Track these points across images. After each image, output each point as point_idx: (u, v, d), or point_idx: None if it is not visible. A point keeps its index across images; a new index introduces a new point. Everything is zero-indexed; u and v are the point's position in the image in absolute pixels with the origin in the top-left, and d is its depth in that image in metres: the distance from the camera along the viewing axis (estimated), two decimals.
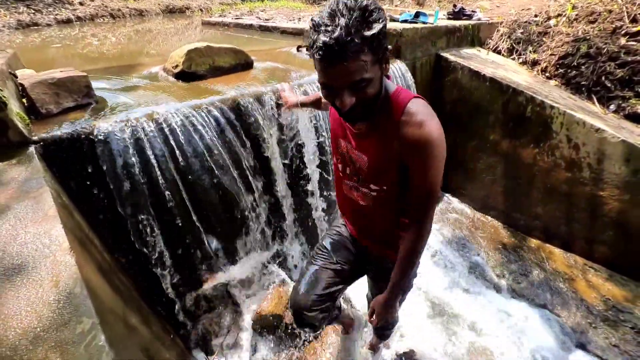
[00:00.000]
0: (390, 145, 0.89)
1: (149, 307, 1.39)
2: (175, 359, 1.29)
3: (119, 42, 4.32)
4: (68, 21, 7.71)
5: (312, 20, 0.73)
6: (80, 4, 8.65)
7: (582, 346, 2.07)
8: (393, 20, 3.16)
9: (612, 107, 2.69)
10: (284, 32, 3.76)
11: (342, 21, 0.68)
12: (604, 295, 2.34)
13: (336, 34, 0.68)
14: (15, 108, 1.17)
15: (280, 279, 1.86)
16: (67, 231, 0.88)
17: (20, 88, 1.42)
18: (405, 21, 3.00)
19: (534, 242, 2.80)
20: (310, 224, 2.18)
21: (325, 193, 2.16)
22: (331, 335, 1.73)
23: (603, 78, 2.77)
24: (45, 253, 0.82)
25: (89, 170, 1.28)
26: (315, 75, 2.04)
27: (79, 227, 1.10)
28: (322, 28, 0.69)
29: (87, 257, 0.97)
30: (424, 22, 2.94)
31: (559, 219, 2.60)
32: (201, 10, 9.94)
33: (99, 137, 1.25)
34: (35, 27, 6.93)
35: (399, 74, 2.43)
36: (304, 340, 1.73)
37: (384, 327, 1.60)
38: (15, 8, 7.77)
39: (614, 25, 2.94)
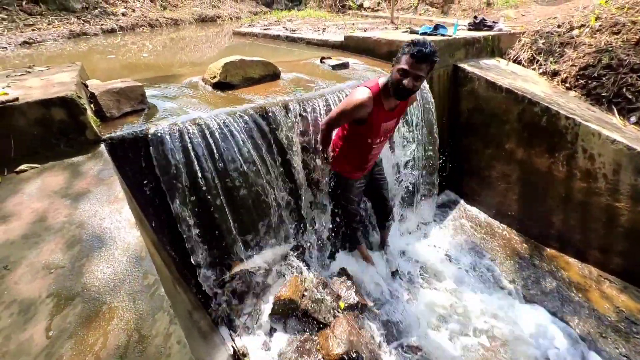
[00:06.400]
0: None
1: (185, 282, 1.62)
2: (208, 329, 1.50)
3: (161, 51, 4.74)
4: (112, 31, 8.44)
5: (411, 41, 1.54)
6: (123, 14, 9.42)
7: (590, 354, 2.10)
8: (413, 32, 3.31)
9: (633, 119, 2.69)
10: (309, 43, 4.00)
11: (430, 48, 1.51)
12: (618, 307, 2.34)
13: (429, 49, 1.49)
14: (89, 112, 1.45)
15: (298, 268, 2.04)
16: (132, 210, 1.12)
17: (88, 95, 1.71)
18: (424, 34, 3.14)
19: (547, 251, 2.82)
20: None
21: None
22: (342, 323, 1.89)
23: (624, 89, 2.77)
24: (118, 226, 1.06)
25: (143, 164, 1.54)
26: (337, 85, 2.22)
27: (135, 209, 1.35)
28: (420, 46, 1.49)
29: (144, 233, 1.20)
30: (442, 35, 3.07)
31: (574, 228, 2.63)
32: (231, 19, 10.49)
33: (153, 138, 1.50)
34: (84, 37, 7.63)
35: None
36: (318, 326, 1.90)
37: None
38: (67, 19, 8.59)
39: (638, 37, 2.93)
